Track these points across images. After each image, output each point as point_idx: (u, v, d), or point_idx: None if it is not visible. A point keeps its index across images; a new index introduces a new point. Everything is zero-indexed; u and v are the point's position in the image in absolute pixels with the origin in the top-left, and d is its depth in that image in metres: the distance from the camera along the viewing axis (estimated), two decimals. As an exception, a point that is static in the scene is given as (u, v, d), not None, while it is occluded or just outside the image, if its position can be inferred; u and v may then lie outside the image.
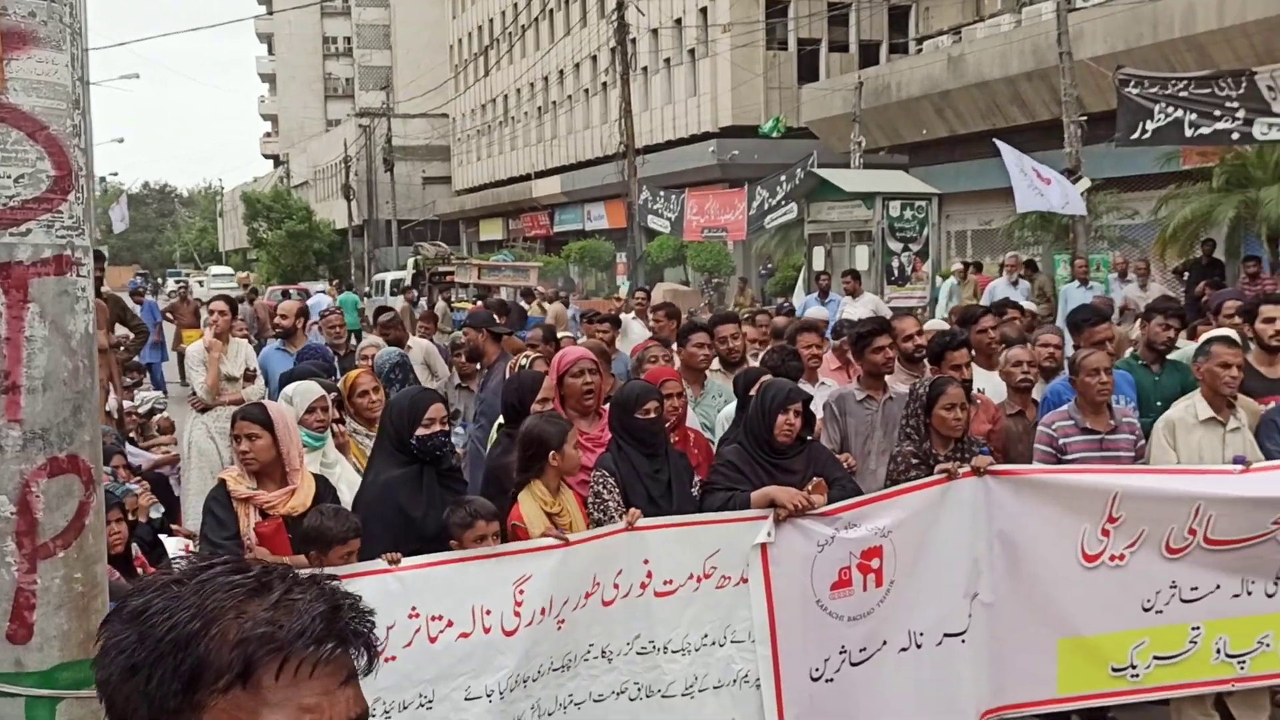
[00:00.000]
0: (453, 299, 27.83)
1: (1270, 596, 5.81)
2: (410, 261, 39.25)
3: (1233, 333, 7.00)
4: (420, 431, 5.25)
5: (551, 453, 5.26)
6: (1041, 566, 5.70)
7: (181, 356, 20.16)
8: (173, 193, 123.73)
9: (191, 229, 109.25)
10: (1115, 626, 5.80)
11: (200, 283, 52.71)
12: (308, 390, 6.06)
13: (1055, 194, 16.73)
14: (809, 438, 5.83)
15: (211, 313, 9.77)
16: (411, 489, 5.23)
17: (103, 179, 69.93)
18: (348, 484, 5.73)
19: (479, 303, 20.21)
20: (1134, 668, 5.80)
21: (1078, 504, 5.72)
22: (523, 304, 22.15)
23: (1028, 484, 5.75)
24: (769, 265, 34.14)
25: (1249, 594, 5.81)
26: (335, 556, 4.72)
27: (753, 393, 5.96)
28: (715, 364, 7.99)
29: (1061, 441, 6.15)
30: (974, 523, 5.61)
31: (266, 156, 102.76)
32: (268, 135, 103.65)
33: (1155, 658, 5.80)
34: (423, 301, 26.59)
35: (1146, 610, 5.77)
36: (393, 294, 34.19)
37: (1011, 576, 5.69)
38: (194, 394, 9.61)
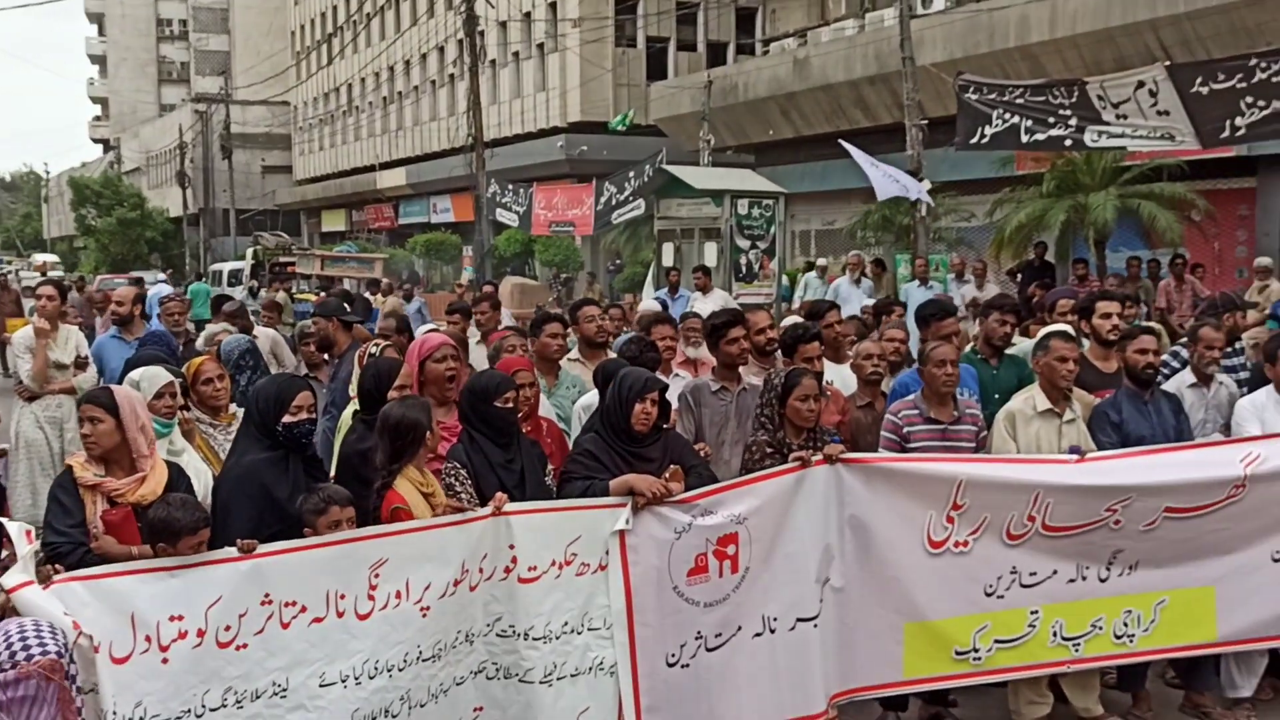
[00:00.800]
0: (294, 290, 27.24)
1: (1103, 581, 6.07)
2: (249, 252, 38.34)
3: (1069, 328, 7.30)
4: (287, 419, 5.20)
5: (427, 434, 5.29)
6: (889, 552, 5.87)
7: (3, 345, 19.33)
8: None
9: (14, 215, 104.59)
10: (959, 611, 6.00)
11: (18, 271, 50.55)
12: (156, 375, 5.89)
13: (904, 185, 17.29)
14: (666, 426, 5.88)
15: (39, 298, 9.38)
16: (277, 472, 5.17)
17: (-83, 161, 66.40)
18: (194, 472, 5.58)
19: (322, 294, 19.81)
20: (976, 651, 6.01)
21: (924, 491, 5.91)
22: (368, 296, 21.79)
23: (877, 472, 5.91)
24: (617, 261, 34.30)
25: (1084, 579, 6.06)
26: (184, 547, 4.60)
27: (612, 383, 6.00)
28: (574, 353, 8.04)
29: (906, 430, 6.34)
30: (826, 510, 5.75)
31: (96, 141, 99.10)
32: (97, 119, 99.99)
33: (996, 641, 6.02)
34: (263, 292, 25.99)
35: (988, 595, 5.99)
36: (230, 284, 33.36)
37: (861, 562, 5.85)
38: (19, 382, 9.24)
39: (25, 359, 9.10)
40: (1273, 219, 21.41)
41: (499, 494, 5.29)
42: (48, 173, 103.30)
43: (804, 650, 5.73)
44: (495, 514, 5.20)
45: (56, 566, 4.56)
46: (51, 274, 39.22)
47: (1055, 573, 6.03)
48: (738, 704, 5.63)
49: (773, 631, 5.67)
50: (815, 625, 5.75)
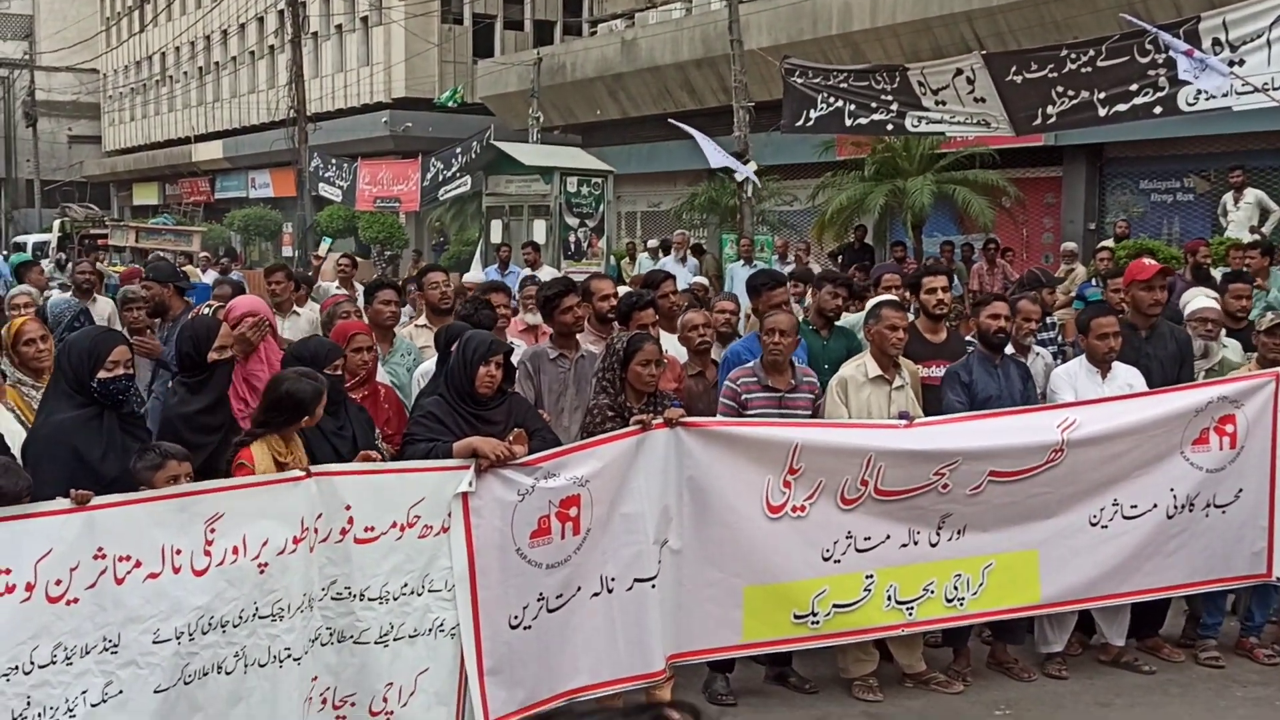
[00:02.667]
0: (106, 263, 26.10)
1: (934, 545, 6.27)
2: (56, 224, 36.70)
3: (898, 299, 7.52)
4: (102, 374, 4.98)
5: (305, 418, 5.23)
6: (728, 515, 5.96)
7: None
8: None
9: None
10: (798, 575, 6.13)
11: None
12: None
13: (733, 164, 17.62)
14: (509, 390, 5.87)
15: None
16: (89, 431, 4.96)
17: None
18: (9, 434, 5.31)
19: (135, 267, 19.00)
20: (814, 615, 6.14)
21: (761, 456, 6.02)
22: (184, 270, 21.02)
23: (716, 435, 6.01)
24: (442, 238, 33.91)
25: (915, 543, 6.26)
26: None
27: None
28: (422, 319, 7.98)
29: (744, 397, 6.43)
30: (665, 472, 5.82)
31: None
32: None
33: (835, 606, 6.16)
34: (69, 266, 24.83)
35: (826, 560, 6.13)
36: (36, 258, 31.77)
37: (699, 525, 5.94)
38: None
39: None
40: (1076, 206, 22.46)
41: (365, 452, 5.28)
42: None
43: (642, 611, 5.79)
44: (307, 475, 5.12)
45: None
46: None
47: (888, 537, 6.21)
48: (576, 663, 5.67)
49: (610, 591, 5.72)
50: (653, 586, 5.81)
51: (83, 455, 4.88)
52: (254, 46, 48.58)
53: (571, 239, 20.32)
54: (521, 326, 8.23)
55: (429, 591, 5.37)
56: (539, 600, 5.54)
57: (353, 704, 5.27)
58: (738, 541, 5.99)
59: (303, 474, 5.10)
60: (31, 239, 37.41)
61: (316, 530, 5.11)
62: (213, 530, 4.81)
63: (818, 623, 6.16)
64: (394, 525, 5.28)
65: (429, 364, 6.85)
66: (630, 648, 5.79)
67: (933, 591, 6.32)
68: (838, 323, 7.97)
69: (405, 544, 5.30)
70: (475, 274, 17.06)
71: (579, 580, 5.65)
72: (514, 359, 6.81)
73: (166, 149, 54.58)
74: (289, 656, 5.05)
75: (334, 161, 27.07)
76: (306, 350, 5.80)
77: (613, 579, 5.73)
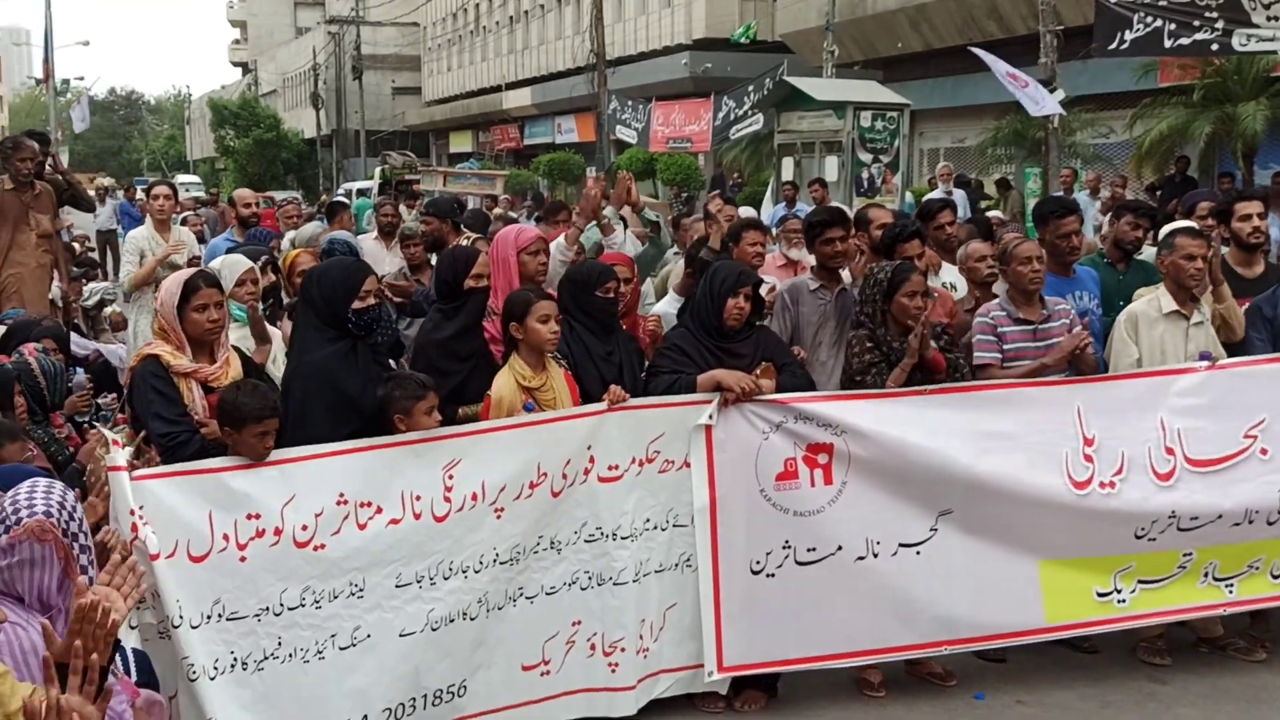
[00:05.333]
0: (416, 207, 27.39)
1: (1271, 524, 5.62)
2: (377, 171, 38.70)
3: (1195, 224, 6.79)
4: (356, 304, 4.97)
5: (512, 323, 5.16)
6: (1022, 486, 5.44)
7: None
8: (140, 99, 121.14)
9: (159, 136, 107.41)
10: (1101, 551, 5.57)
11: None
12: (236, 262, 5.86)
13: (1031, 95, 16.57)
14: (759, 323, 5.65)
15: (155, 198, 9.48)
16: (347, 366, 4.97)
17: (66, 81, 68.35)
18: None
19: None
20: (1119, 592, 5.59)
21: (1049, 419, 5.52)
22: (486, 212, 21.74)
23: (1002, 400, 5.55)
24: (737, 179, 33.78)
25: (1250, 522, 5.60)
26: (248, 435, 4.50)
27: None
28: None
29: (1000, 330, 5.94)
30: (947, 437, 5.40)
31: (235, 64, 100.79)
32: (236, 43, 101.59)
33: (1140, 582, 5.61)
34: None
35: (1139, 538, 5.57)
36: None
37: (988, 495, 5.43)
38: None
39: (131, 261, 9.17)
40: None
41: (614, 387, 5.16)
42: (190, 95, 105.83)
43: (908, 579, 5.41)
44: (611, 408, 5.10)
45: (151, 457, 4.53)
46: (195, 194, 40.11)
47: (1219, 517, 5.57)
48: (830, 627, 5.38)
49: (875, 556, 5.39)
50: (918, 553, 5.42)
51: (346, 392, 4.91)
52: (561, -7, 49.63)
53: (864, 175, 19.76)
54: (780, 262, 7.94)
55: (674, 526, 5.28)
56: (784, 549, 5.30)
57: (622, 648, 5.23)
58: (1035, 515, 5.47)
59: (536, 419, 5.03)
60: (356, 185, 39.68)
61: (565, 476, 5.05)
62: (450, 476, 4.83)
63: (1124, 600, 5.60)
64: (634, 461, 5.19)
65: (659, 305, 6.80)
66: (892, 618, 5.43)
67: (1258, 568, 5.67)
68: (1137, 256, 7.29)
69: (645, 479, 5.21)
70: (765, 210, 16.90)
71: (837, 537, 5.34)
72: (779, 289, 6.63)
73: (479, 97, 56.67)
74: (524, 596, 5.06)
75: (630, 104, 27.32)
76: (580, 273, 5.69)
77: (878, 542, 5.37)
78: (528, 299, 5.21)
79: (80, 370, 6.96)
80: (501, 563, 4.94)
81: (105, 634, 2.85)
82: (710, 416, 5.14)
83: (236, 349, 5.15)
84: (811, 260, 6.81)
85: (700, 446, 5.19)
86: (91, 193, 15.85)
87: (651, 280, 8.12)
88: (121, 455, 4.32)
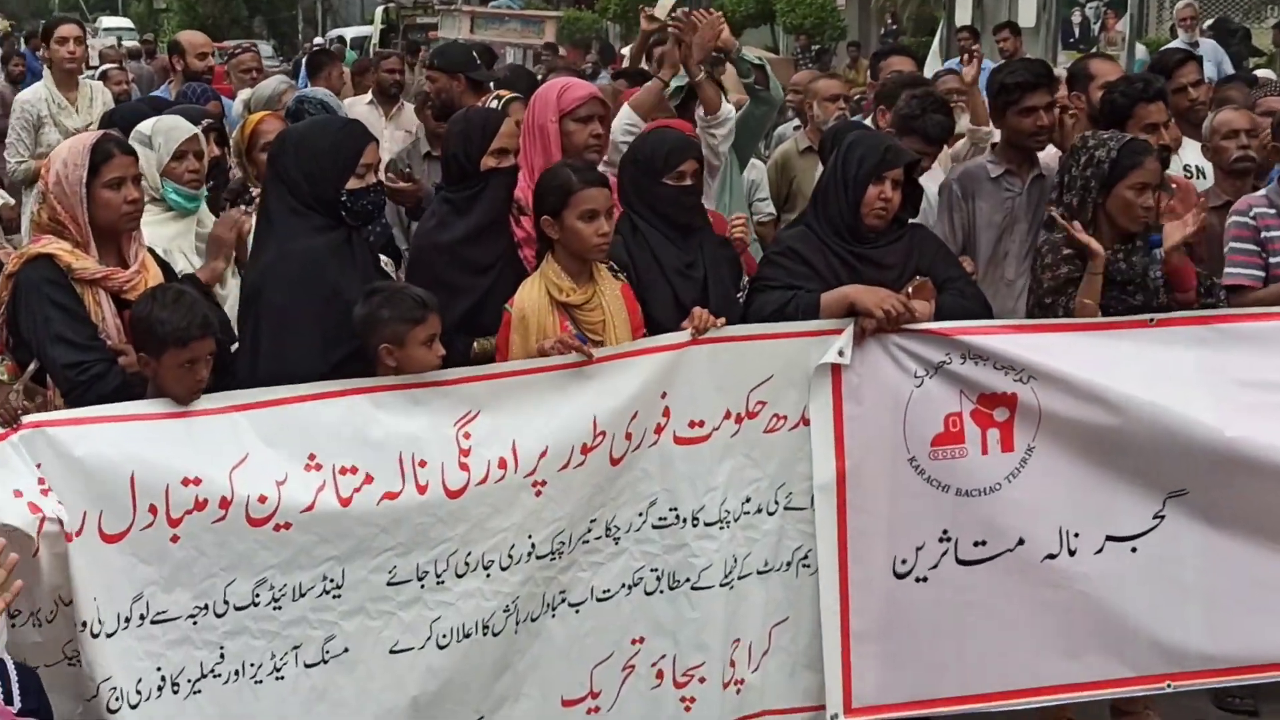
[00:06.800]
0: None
1: None
2: (379, 12, 38.93)
3: None
4: (353, 183, 5.00)
5: (545, 217, 5.15)
6: None
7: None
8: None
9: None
10: None
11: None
12: (173, 127, 5.85)
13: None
14: (912, 221, 5.62)
15: (63, 42, 9.70)
16: (343, 263, 5.02)
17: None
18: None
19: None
20: None
21: None
22: (533, 71, 21.68)
23: (1268, 337, 5.52)
24: (891, 26, 33.51)
25: None
26: (170, 364, 4.50)
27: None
28: None
29: (1264, 235, 5.96)
30: (1184, 387, 5.36)
31: None
32: None
33: None
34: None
35: None
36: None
37: (1249, 472, 5.39)
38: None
39: (23, 138, 9.39)
40: None
41: (699, 310, 5.13)
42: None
43: (1116, 585, 5.41)
44: (694, 341, 5.09)
45: (49, 399, 4.60)
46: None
47: None
48: (1006, 655, 5.42)
49: (1072, 554, 5.39)
50: (1134, 550, 5.41)
51: (342, 294, 4.91)
52: None
53: (1075, 19, 19.50)
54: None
55: (784, 509, 5.30)
56: (942, 540, 5.33)
57: (702, 679, 5.26)
58: None
59: (582, 357, 5.00)
60: (349, 32, 40.05)
61: (630, 436, 5.05)
62: (466, 435, 4.83)
63: None
64: (727, 415, 5.19)
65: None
66: (1093, 640, 5.43)
67: None
68: None
69: (744, 441, 5.22)
70: (932, 66, 16.81)
71: (1018, 527, 5.36)
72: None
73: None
74: (567, 603, 5.09)
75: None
76: (643, 150, 5.65)
77: (1076, 535, 5.38)
78: (567, 182, 5.14)
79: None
80: (539, 557, 4.97)
81: None
82: (840, 353, 5.13)
83: (152, 252, 5.15)
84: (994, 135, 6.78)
85: (825, 396, 5.20)
86: None
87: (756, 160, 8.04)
88: None
